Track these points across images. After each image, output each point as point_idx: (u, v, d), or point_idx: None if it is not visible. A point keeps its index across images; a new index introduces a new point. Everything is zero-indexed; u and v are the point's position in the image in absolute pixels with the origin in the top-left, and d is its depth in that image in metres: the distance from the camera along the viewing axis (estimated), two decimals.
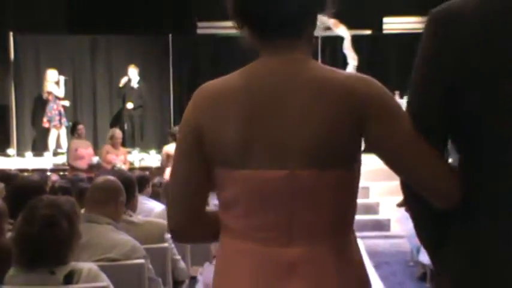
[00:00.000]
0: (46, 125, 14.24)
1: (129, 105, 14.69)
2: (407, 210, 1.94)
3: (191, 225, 1.88)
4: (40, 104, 14.79)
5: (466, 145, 1.76)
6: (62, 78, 14.33)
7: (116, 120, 15.64)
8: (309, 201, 1.74)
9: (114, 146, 12.02)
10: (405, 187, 1.83)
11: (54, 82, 14.24)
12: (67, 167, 12.10)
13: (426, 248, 1.93)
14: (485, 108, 1.67)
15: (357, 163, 1.79)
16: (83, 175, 8.91)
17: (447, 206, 1.73)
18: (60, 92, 14.23)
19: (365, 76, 1.77)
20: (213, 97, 1.83)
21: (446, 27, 1.74)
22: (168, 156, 11.76)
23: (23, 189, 4.79)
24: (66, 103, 14.42)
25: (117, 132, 12.31)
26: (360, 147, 1.78)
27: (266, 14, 1.75)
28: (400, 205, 2.08)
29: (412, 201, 1.84)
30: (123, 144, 13.85)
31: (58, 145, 14.08)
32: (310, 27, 1.87)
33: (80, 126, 12.41)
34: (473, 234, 1.70)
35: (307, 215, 1.75)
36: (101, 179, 4.23)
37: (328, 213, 1.76)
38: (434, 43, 1.75)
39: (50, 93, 14.12)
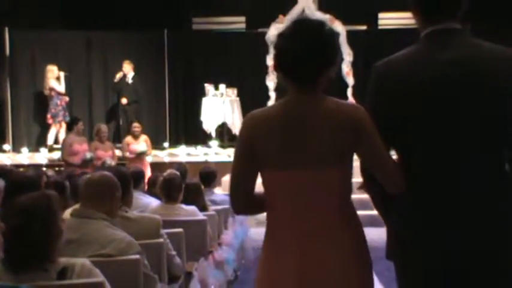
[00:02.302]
0: (50, 121, 14.22)
1: (124, 101, 14.69)
2: (365, 191, 2.89)
3: (244, 202, 2.86)
4: (41, 100, 14.74)
5: (399, 153, 2.77)
6: (62, 74, 14.32)
7: (111, 116, 15.63)
8: (324, 188, 2.70)
9: (100, 141, 12.12)
10: (365, 174, 2.81)
11: (55, 78, 14.23)
12: (62, 163, 12.10)
13: (379, 212, 2.90)
14: (408, 132, 2.66)
15: (351, 160, 2.74)
16: (77, 170, 8.93)
17: (396, 191, 2.70)
18: (61, 87, 14.22)
19: (358, 106, 2.75)
20: (259, 120, 2.77)
21: (381, 78, 2.73)
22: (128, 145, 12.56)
23: (17, 184, 4.78)
24: (66, 98, 14.37)
25: (103, 127, 12.39)
26: (354, 150, 2.72)
27: (298, 75, 2.71)
28: (360, 188, 2.93)
29: (371, 184, 2.81)
30: (118, 140, 13.84)
31: (57, 141, 14.00)
32: (326, 75, 2.74)
33: (80, 123, 12.40)
34: (408, 204, 2.70)
35: (323, 196, 2.71)
36: (96, 174, 4.21)
37: (336, 193, 2.73)
38: (373, 91, 2.76)
39: (52, 89, 14.11)
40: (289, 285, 2.71)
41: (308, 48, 2.66)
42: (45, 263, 3.02)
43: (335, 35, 2.78)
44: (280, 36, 2.74)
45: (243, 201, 2.87)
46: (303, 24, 2.74)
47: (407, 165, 2.68)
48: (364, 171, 2.81)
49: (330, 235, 2.71)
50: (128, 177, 4.67)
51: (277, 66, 2.77)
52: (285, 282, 2.72)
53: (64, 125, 14.05)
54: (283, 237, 2.76)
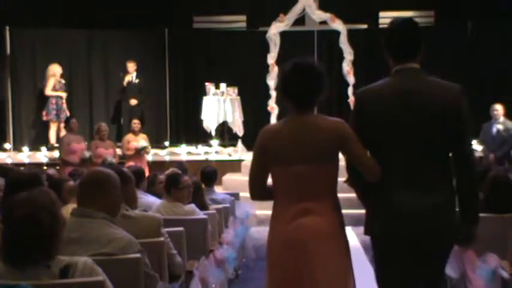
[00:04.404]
0: (44, 118, 14.28)
1: (134, 102, 14.72)
2: (349, 184, 3.89)
3: (260, 190, 3.93)
4: (42, 98, 14.74)
5: (374, 154, 3.76)
6: (61, 80, 14.40)
7: (113, 115, 15.62)
8: (318, 180, 3.75)
9: (101, 139, 12.15)
10: (350, 170, 3.83)
11: (55, 77, 14.25)
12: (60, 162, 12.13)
13: (359, 197, 3.92)
14: (380, 140, 3.73)
15: (337, 160, 3.80)
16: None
17: (374, 180, 3.70)
18: (59, 88, 14.25)
19: (341, 120, 3.81)
20: (271, 132, 3.89)
21: (361, 101, 3.82)
22: (129, 142, 12.57)
23: (17, 182, 4.79)
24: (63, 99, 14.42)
25: (103, 125, 12.38)
26: (339, 152, 3.78)
27: (300, 102, 3.81)
28: (345, 181, 3.90)
29: (355, 178, 3.83)
30: (120, 139, 13.84)
31: (58, 139, 13.99)
32: (317, 100, 3.86)
33: (73, 120, 12.41)
34: (380, 192, 3.73)
35: (316, 186, 3.76)
36: (89, 171, 4.14)
37: (325, 184, 3.79)
38: (356, 110, 3.85)
39: (52, 87, 14.16)
40: (294, 246, 3.73)
41: (306, 85, 3.78)
42: (49, 256, 3.03)
43: (323, 71, 3.85)
44: (284, 74, 3.87)
45: (259, 190, 3.92)
46: (299, 65, 3.83)
47: (379, 160, 3.72)
48: (349, 167, 3.84)
49: (322, 212, 3.75)
50: (128, 176, 4.67)
51: (284, 97, 3.87)
52: (290, 245, 3.75)
53: (62, 124, 14.08)
54: (288, 215, 3.76)
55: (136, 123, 12.81)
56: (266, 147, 3.82)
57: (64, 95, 14.29)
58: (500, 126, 11.88)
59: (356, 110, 3.85)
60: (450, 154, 3.75)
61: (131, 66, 14.83)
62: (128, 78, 14.82)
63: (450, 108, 3.66)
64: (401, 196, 3.66)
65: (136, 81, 14.82)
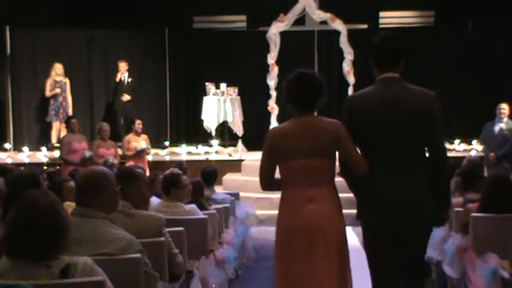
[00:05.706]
0: (48, 119, 14.28)
1: (126, 97, 14.71)
2: (341, 176, 4.45)
3: (269, 182, 4.48)
4: (42, 98, 14.74)
5: (362, 149, 4.38)
6: (61, 79, 14.38)
7: (111, 115, 15.58)
8: (319, 171, 4.35)
9: (103, 139, 12.14)
10: (342, 165, 4.41)
11: (57, 76, 14.25)
12: (62, 161, 12.11)
13: (350, 187, 4.48)
14: (367, 138, 4.33)
15: (335, 154, 4.38)
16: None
17: (361, 174, 4.31)
18: (59, 89, 14.23)
19: (338, 122, 4.38)
20: (278, 132, 4.51)
21: (351, 106, 4.42)
22: (129, 143, 12.59)
23: (17, 182, 4.79)
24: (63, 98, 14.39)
25: (105, 125, 12.37)
26: (336, 149, 4.35)
27: (303, 106, 4.41)
28: (338, 173, 4.44)
29: (345, 172, 4.41)
30: (118, 139, 13.83)
31: (59, 139, 13.96)
32: (317, 105, 4.45)
33: (73, 120, 12.38)
34: (367, 181, 4.32)
35: (318, 176, 4.35)
36: (85, 172, 4.08)
37: (326, 174, 4.39)
38: (347, 114, 4.41)
39: (53, 87, 14.14)
40: (301, 229, 4.31)
41: (308, 91, 4.39)
42: (52, 256, 3.03)
43: (323, 80, 4.46)
44: (288, 82, 4.44)
45: (268, 181, 4.48)
46: (302, 74, 4.42)
47: (367, 157, 4.34)
48: (341, 163, 4.42)
49: (324, 199, 4.36)
50: (133, 176, 4.67)
51: (288, 101, 4.44)
52: (297, 228, 4.33)
53: (63, 124, 14.07)
54: (294, 202, 4.36)
55: (139, 124, 12.80)
56: (275, 146, 4.40)
57: (58, 90, 14.25)
58: (503, 125, 11.86)
59: (346, 114, 4.44)
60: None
61: (123, 66, 14.82)
62: (119, 76, 14.85)
63: (425, 111, 4.25)
64: (386, 187, 4.25)
65: (129, 80, 14.82)
